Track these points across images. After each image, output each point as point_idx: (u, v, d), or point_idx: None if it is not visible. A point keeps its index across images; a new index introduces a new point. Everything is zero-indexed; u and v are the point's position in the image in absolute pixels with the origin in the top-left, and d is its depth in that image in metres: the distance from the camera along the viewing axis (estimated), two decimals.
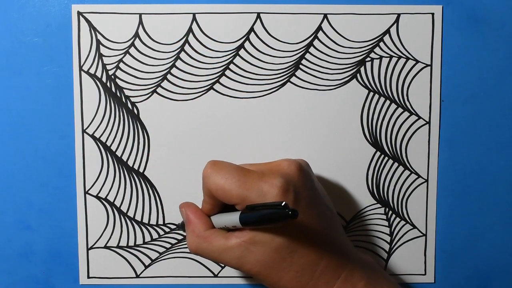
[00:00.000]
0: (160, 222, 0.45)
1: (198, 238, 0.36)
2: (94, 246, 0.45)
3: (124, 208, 0.45)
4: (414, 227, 0.46)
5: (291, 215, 0.29)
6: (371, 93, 0.45)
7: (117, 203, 0.45)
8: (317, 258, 0.34)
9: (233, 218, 0.34)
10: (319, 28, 0.44)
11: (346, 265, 0.35)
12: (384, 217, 0.46)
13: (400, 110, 0.45)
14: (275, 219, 0.30)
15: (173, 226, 0.45)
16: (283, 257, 0.34)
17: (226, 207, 0.37)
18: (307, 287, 0.34)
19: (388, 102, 0.45)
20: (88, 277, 0.45)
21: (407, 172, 0.45)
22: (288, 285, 0.34)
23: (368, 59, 0.44)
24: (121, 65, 0.44)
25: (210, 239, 0.35)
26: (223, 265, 0.45)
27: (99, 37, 0.44)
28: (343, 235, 0.38)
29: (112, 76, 0.44)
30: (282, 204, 0.30)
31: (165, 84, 0.44)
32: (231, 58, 0.44)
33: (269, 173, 0.35)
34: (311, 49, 0.44)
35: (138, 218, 0.45)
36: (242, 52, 0.44)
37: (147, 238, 0.45)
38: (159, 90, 0.44)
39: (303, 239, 0.34)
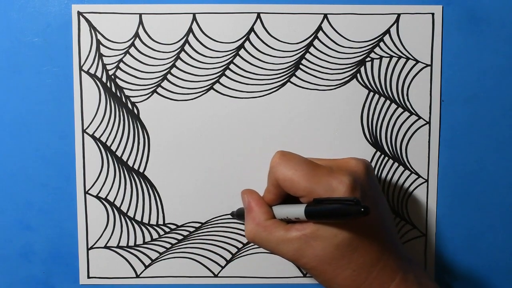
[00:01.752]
0: (160, 222, 0.45)
1: (258, 226, 0.36)
2: (94, 246, 0.45)
3: (124, 208, 0.45)
4: (414, 227, 0.46)
5: (363, 212, 0.29)
6: (371, 93, 0.45)
7: (117, 203, 0.45)
8: (376, 258, 0.34)
9: (297, 210, 0.33)
10: (319, 28, 0.44)
11: (401, 269, 0.35)
12: None
13: (400, 110, 0.45)
14: (346, 214, 0.30)
15: (173, 226, 0.45)
16: (343, 254, 0.33)
17: (288, 199, 0.36)
18: (361, 286, 0.34)
19: (388, 102, 0.45)
20: (88, 277, 0.45)
21: (407, 172, 0.45)
22: (343, 283, 0.34)
23: (368, 59, 0.44)
24: (121, 65, 0.44)
25: (270, 228, 0.35)
26: (223, 265, 0.45)
27: (99, 37, 0.44)
28: (398, 238, 0.38)
29: (112, 76, 0.44)
30: (355, 200, 0.30)
31: (165, 84, 0.44)
32: (231, 58, 0.44)
33: (337, 169, 0.34)
34: (311, 49, 0.44)
35: (138, 218, 0.45)
36: (242, 52, 0.44)
37: (147, 238, 0.45)
38: (159, 90, 0.44)
39: (365, 238, 0.34)
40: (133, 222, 0.45)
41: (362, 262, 0.34)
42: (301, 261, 0.34)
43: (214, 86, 0.44)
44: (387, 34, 0.44)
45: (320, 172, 0.34)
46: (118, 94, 0.44)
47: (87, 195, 0.45)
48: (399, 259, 0.36)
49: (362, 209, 0.29)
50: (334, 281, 0.34)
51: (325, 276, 0.34)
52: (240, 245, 0.45)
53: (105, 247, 0.45)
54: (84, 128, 0.44)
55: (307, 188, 0.33)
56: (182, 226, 0.45)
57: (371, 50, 0.44)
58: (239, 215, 0.42)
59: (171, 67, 0.44)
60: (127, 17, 0.44)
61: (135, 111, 0.44)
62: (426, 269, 0.46)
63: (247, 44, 0.44)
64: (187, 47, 0.44)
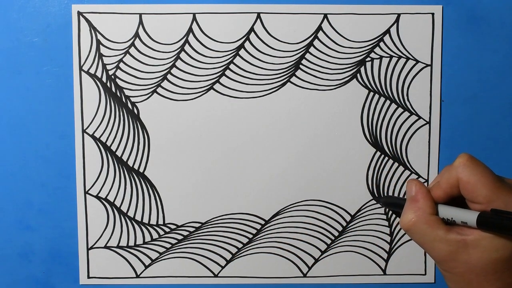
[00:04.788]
0: (160, 222, 0.45)
1: (419, 218, 0.36)
2: (94, 246, 0.45)
3: (124, 208, 0.45)
4: None
5: None
6: (371, 93, 0.45)
7: (117, 203, 0.45)
8: None
9: (468, 215, 0.34)
10: (319, 28, 0.44)
11: None
12: (384, 217, 0.46)
13: (400, 110, 0.45)
14: None
15: (173, 226, 0.45)
16: (496, 269, 0.33)
17: (452, 201, 0.37)
18: None
19: (388, 102, 0.45)
20: (88, 277, 0.45)
21: (407, 172, 0.45)
22: None
23: (368, 59, 0.44)
24: (121, 65, 0.44)
25: (431, 224, 0.35)
26: (223, 265, 0.45)
27: (99, 37, 0.44)
28: None
29: (112, 76, 0.44)
30: None
31: (165, 84, 0.44)
32: (231, 58, 0.44)
33: None
34: (311, 49, 0.44)
35: (138, 218, 0.45)
36: (242, 52, 0.44)
37: (147, 238, 0.45)
38: (159, 90, 0.44)
39: None
40: (133, 222, 0.45)
41: (510, 282, 0.33)
42: (450, 264, 0.34)
43: (214, 86, 0.44)
44: (387, 34, 0.44)
45: (503, 186, 0.34)
46: (118, 94, 0.44)
47: (87, 195, 0.45)
48: None
49: None
50: None
51: (466, 285, 0.34)
52: (240, 245, 0.45)
53: (105, 247, 0.45)
54: (84, 128, 0.44)
55: (488, 197, 0.33)
56: (182, 226, 0.45)
57: (371, 50, 0.44)
58: (389, 203, 0.41)
59: (171, 67, 0.44)
60: (127, 17, 0.44)
61: (135, 111, 0.44)
62: (425, 269, 0.46)
63: (247, 44, 0.44)
64: (187, 47, 0.44)
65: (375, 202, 0.45)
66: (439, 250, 0.34)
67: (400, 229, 0.45)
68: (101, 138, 0.45)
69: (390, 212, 0.45)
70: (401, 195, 0.45)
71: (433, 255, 0.35)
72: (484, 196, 0.34)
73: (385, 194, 0.45)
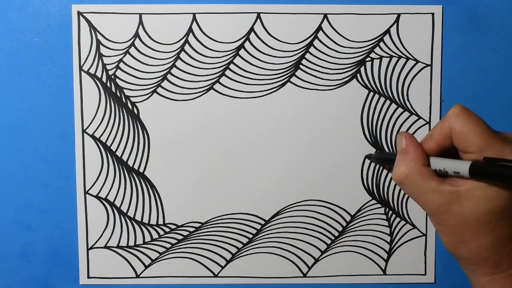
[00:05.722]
0: (160, 222, 0.45)
1: (411, 169, 0.35)
2: (94, 246, 0.45)
3: (124, 208, 0.45)
4: (414, 227, 0.46)
5: None
6: (371, 93, 0.45)
7: (117, 203, 0.45)
8: None
9: (461, 165, 0.33)
10: (319, 28, 0.44)
11: None
12: (384, 217, 0.46)
13: (400, 110, 0.45)
14: None
15: (173, 226, 0.45)
16: (489, 220, 0.33)
17: (444, 153, 0.36)
18: (490, 258, 0.33)
19: (388, 102, 0.45)
20: (88, 277, 0.45)
21: None
22: (475, 249, 0.33)
23: (368, 59, 0.44)
24: (121, 65, 0.44)
25: (424, 175, 0.34)
26: (223, 265, 0.45)
27: (99, 37, 0.44)
28: None
29: (112, 76, 0.44)
30: None
31: (165, 84, 0.44)
32: (231, 58, 0.44)
33: (510, 140, 0.34)
34: (311, 49, 0.44)
35: (138, 218, 0.45)
36: (242, 52, 0.44)
37: (147, 238, 0.45)
38: (159, 90, 0.44)
39: None
40: (133, 222, 0.45)
41: (503, 234, 0.33)
42: (442, 216, 0.33)
43: (214, 86, 0.44)
44: (387, 34, 0.44)
45: (496, 136, 0.33)
46: (118, 94, 0.44)
47: (87, 195, 0.45)
48: None
49: None
50: (466, 244, 0.33)
51: (459, 238, 0.33)
52: (240, 245, 0.45)
53: (105, 247, 0.45)
54: (84, 128, 0.44)
55: (480, 146, 0.33)
56: (182, 226, 0.45)
57: (371, 50, 0.44)
58: (380, 158, 0.41)
59: (171, 67, 0.44)
60: (127, 17, 0.44)
61: (135, 111, 0.44)
62: (425, 269, 0.46)
63: (247, 44, 0.44)
64: (187, 47, 0.44)
65: (375, 202, 0.45)
66: (432, 202, 0.34)
67: (400, 229, 0.45)
68: (101, 138, 0.45)
69: (391, 212, 0.45)
70: (400, 196, 0.45)
71: (426, 207, 0.34)
72: (477, 145, 0.33)
73: (385, 193, 0.45)
